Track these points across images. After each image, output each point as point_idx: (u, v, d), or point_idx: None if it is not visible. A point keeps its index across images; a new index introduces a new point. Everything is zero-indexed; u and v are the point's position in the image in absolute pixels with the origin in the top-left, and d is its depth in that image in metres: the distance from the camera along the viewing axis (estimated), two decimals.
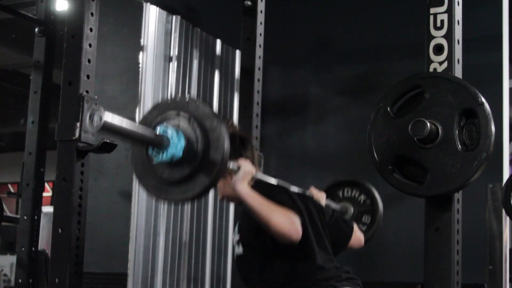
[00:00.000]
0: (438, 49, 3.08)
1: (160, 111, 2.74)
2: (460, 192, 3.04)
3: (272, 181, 3.14)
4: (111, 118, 2.45)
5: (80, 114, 3.09)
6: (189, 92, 5.29)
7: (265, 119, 5.06)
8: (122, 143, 2.92)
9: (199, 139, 2.62)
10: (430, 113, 2.91)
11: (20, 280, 4.53)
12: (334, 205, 3.88)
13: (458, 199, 3.02)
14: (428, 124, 2.85)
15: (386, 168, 3.00)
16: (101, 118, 2.39)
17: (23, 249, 4.57)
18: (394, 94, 3.04)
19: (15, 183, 4.63)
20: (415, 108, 2.97)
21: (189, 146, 2.62)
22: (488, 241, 4.98)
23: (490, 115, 2.85)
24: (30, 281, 4.53)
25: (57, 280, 3.06)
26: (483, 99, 2.87)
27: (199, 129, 2.63)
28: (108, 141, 3.09)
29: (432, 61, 3.06)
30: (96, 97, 3.15)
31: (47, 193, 9.17)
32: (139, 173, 2.77)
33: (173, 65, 5.20)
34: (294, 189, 3.18)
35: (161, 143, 2.61)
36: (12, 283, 8.24)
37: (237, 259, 3.14)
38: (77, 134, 3.08)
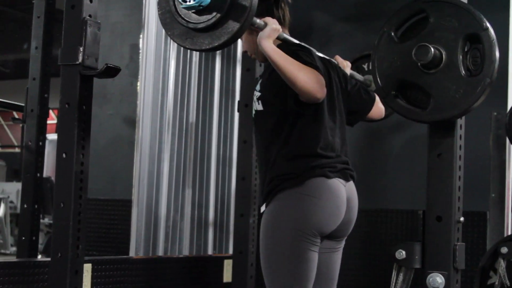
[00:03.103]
0: None
1: None
2: (463, 118, 3.04)
3: (297, 42, 3.14)
4: None
5: (83, 38, 3.09)
6: None
7: None
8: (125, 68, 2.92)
9: None
10: (434, 38, 2.89)
11: (25, 206, 4.57)
12: (358, 76, 3.83)
13: (461, 125, 3.02)
14: (432, 49, 2.84)
15: (389, 93, 3.00)
16: None
17: (28, 175, 4.59)
18: (398, 18, 3.01)
19: (20, 110, 4.66)
20: (419, 33, 2.95)
21: None
22: (491, 169, 4.99)
23: (495, 40, 2.83)
24: (36, 207, 4.56)
25: (61, 205, 3.10)
26: (488, 24, 2.84)
27: None
28: (111, 65, 3.09)
29: None
30: (99, 21, 3.15)
31: (52, 120, 9.19)
32: (165, 21, 2.76)
33: None
34: (319, 54, 3.19)
35: None
36: (18, 210, 8.33)
37: (255, 114, 3.16)
38: (80, 59, 3.08)
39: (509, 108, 4.59)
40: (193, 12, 2.67)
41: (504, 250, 3.92)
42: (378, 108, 3.46)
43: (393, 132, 5.21)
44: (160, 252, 4.99)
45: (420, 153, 3.46)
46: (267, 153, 3.10)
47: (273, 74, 2.99)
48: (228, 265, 5.01)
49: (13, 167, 11.04)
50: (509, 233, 4.84)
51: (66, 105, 3.11)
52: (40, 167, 4.61)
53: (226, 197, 5.53)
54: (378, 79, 3.02)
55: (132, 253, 4.87)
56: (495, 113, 4.93)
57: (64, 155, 3.10)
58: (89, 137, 3.14)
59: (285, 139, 3.05)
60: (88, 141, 3.13)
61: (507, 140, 4.74)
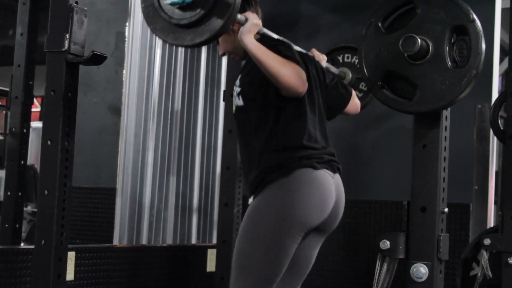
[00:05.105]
0: None
1: None
2: (449, 110, 3.05)
3: (276, 37, 3.14)
4: None
5: (70, 25, 3.07)
6: None
7: None
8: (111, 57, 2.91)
9: None
10: (421, 29, 2.90)
11: (9, 193, 4.55)
12: (333, 69, 3.84)
13: (446, 117, 3.03)
14: (419, 40, 2.84)
15: (376, 84, 3.00)
16: None
17: (12, 162, 4.58)
18: (385, 9, 3.01)
19: (4, 97, 4.63)
20: (406, 24, 2.95)
21: None
22: (475, 161, 5.01)
23: (481, 32, 2.84)
24: (19, 194, 4.55)
25: (46, 192, 3.08)
26: (475, 16, 2.85)
27: None
28: (97, 52, 3.08)
29: None
30: (86, 8, 3.13)
31: (36, 108, 9.15)
32: (147, 14, 2.76)
33: None
34: (297, 48, 3.20)
35: None
36: (1, 197, 8.29)
37: (236, 110, 3.16)
38: (66, 46, 3.07)
39: (493, 101, 4.62)
40: (177, 8, 2.67)
41: (487, 241, 3.94)
42: (355, 103, 3.48)
43: (378, 122, 5.22)
44: (144, 241, 4.99)
45: (405, 144, 3.47)
46: (251, 147, 3.11)
47: (254, 69, 2.99)
48: (211, 254, 5.00)
49: None
50: (492, 225, 4.86)
51: (52, 92, 3.09)
52: (24, 154, 4.59)
53: (210, 186, 5.53)
54: (365, 69, 3.03)
55: (115, 242, 4.87)
56: (479, 106, 4.95)
57: (49, 142, 3.09)
58: (74, 125, 3.13)
59: (269, 133, 3.06)
60: (73, 129, 3.12)
61: (491, 133, 4.76)
